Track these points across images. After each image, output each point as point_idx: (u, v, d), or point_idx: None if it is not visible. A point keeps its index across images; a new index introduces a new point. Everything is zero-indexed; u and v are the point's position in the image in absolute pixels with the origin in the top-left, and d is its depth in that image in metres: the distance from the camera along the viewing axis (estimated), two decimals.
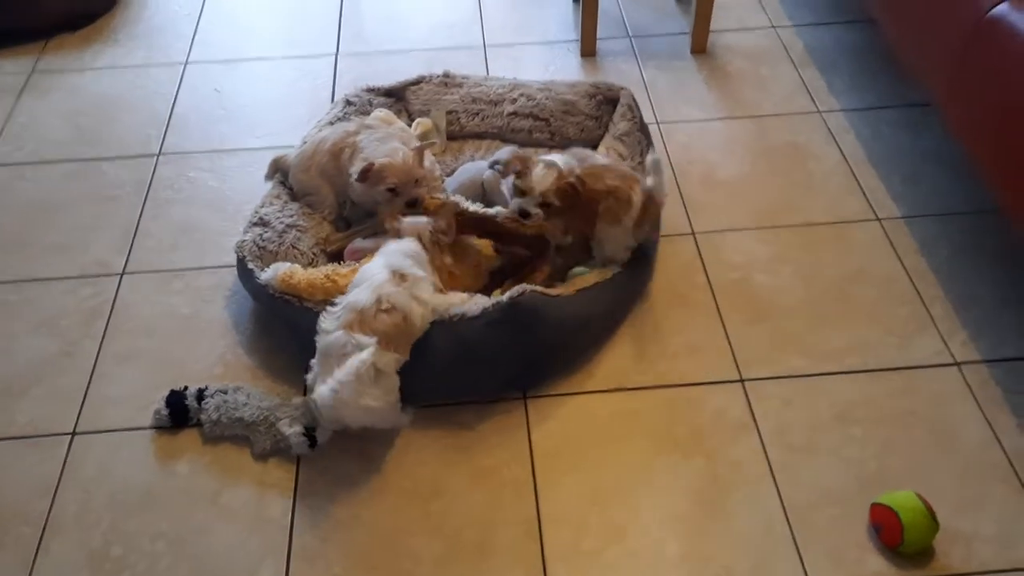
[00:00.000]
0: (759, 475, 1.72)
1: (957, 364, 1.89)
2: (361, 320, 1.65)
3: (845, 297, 2.03)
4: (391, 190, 1.97)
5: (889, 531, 1.59)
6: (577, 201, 1.87)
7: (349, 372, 1.58)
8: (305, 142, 2.15)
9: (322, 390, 1.60)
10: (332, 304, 1.71)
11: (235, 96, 2.66)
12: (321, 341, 1.67)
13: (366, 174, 1.95)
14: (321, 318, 1.69)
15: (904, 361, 1.90)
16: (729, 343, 1.95)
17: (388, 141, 2.02)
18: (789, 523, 1.65)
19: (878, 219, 2.21)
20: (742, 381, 1.88)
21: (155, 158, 2.45)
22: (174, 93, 2.67)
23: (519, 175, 1.89)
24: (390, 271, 1.71)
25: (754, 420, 1.81)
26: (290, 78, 2.72)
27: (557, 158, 1.92)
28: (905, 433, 1.78)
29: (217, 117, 2.58)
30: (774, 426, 1.80)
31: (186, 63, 2.78)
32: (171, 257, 2.18)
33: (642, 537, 1.64)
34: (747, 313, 2.01)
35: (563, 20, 2.92)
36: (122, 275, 2.14)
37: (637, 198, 1.89)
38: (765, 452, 1.76)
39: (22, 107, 2.62)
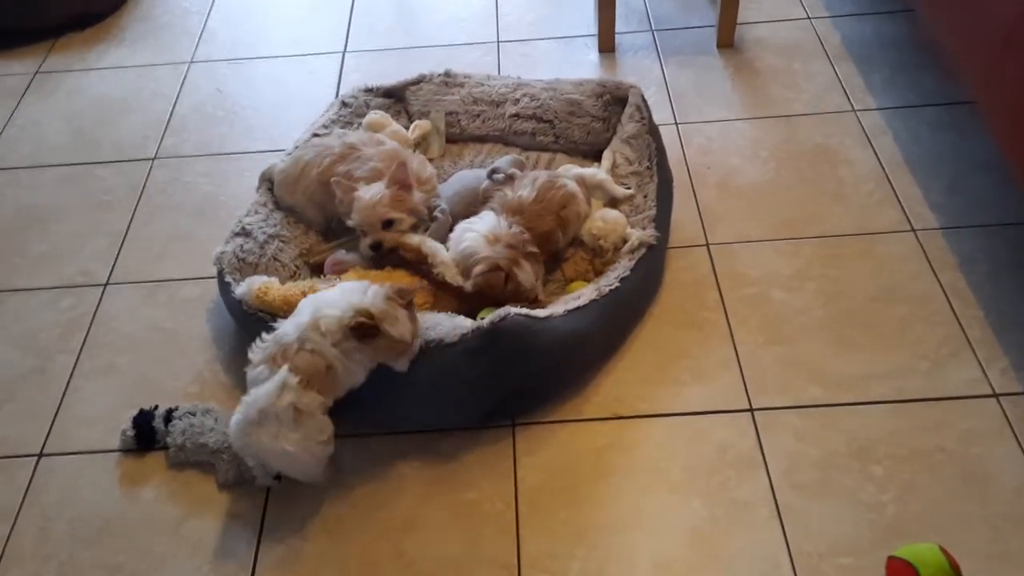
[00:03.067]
0: (764, 518, 1.56)
1: (996, 396, 1.70)
2: (283, 354, 1.50)
3: (872, 318, 1.85)
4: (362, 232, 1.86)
5: None
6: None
7: (260, 395, 1.46)
8: (294, 149, 2.04)
9: (233, 418, 1.49)
10: (270, 329, 1.57)
11: (237, 96, 2.56)
12: (248, 372, 1.55)
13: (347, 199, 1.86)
14: (251, 348, 1.56)
15: (935, 391, 1.71)
16: (740, 368, 1.79)
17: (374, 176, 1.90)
18: (795, 574, 1.48)
19: (913, 230, 2.01)
20: (752, 411, 1.71)
21: (151, 162, 2.37)
22: (176, 94, 2.59)
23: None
24: (314, 319, 1.53)
25: (763, 456, 1.65)
26: (294, 77, 2.62)
27: (483, 225, 1.80)
28: (931, 475, 1.59)
29: (217, 119, 2.49)
30: (785, 463, 1.63)
31: (190, 62, 2.70)
32: (157, 267, 2.10)
33: None
34: (762, 334, 1.84)
35: (582, 14, 2.76)
36: (105, 286, 2.06)
37: (575, 188, 1.90)
38: (773, 492, 1.59)
39: (23, 109, 2.57)
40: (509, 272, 1.74)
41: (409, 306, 1.56)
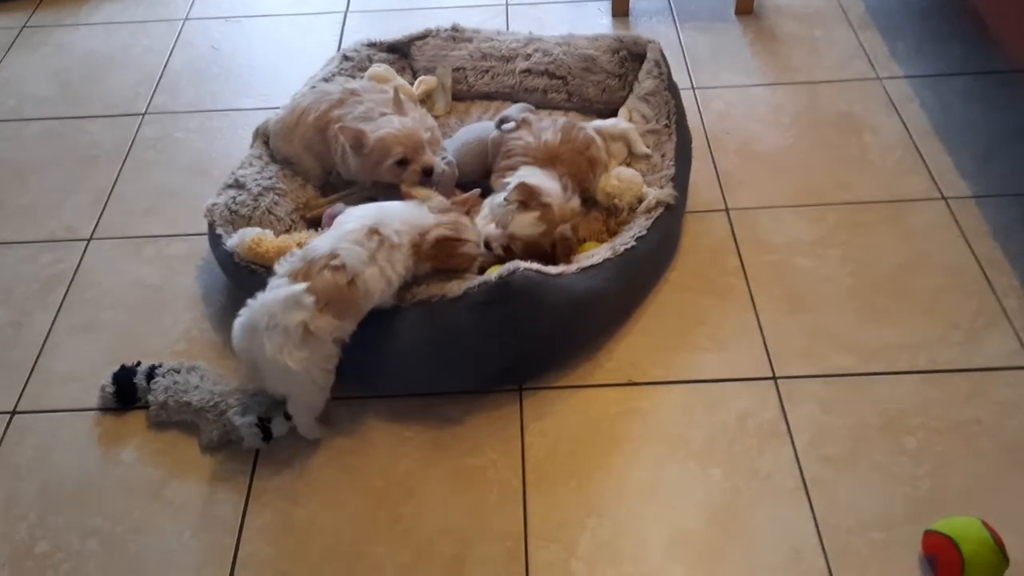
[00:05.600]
0: (790, 490, 1.45)
1: None
2: (307, 272, 1.42)
3: (901, 286, 1.74)
4: (401, 162, 1.73)
5: (946, 565, 1.30)
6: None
7: (267, 300, 1.40)
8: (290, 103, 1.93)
9: (236, 320, 1.44)
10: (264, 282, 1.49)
11: (233, 54, 2.46)
12: (269, 283, 1.47)
13: (360, 143, 1.73)
14: (279, 260, 1.48)
15: (970, 361, 1.61)
16: (762, 335, 1.68)
17: (373, 114, 1.80)
18: (824, 549, 1.38)
19: (944, 198, 1.91)
20: (775, 379, 1.61)
21: (140, 117, 2.26)
22: (169, 50, 2.48)
23: (523, 205, 1.65)
24: (367, 223, 1.47)
25: (787, 425, 1.54)
26: (293, 36, 2.52)
27: (553, 190, 1.68)
28: (968, 446, 1.49)
29: (211, 76, 2.38)
30: (811, 433, 1.52)
31: (185, 19, 2.59)
32: (144, 223, 1.98)
33: (644, 561, 1.38)
34: (785, 301, 1.74)
35: None
36: (89, 241, 1.94)
37: (593, 133, 1.82)
38: (798, 463, 1.49)
39: (9, 62, 2.46)
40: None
41: (469, 213, 1.59)
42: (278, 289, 1.41)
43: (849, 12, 2.45)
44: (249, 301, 1.44)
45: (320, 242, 1.46)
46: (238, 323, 1.44)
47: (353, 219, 1.49)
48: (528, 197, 1.64)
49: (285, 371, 1.40)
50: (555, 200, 1.66)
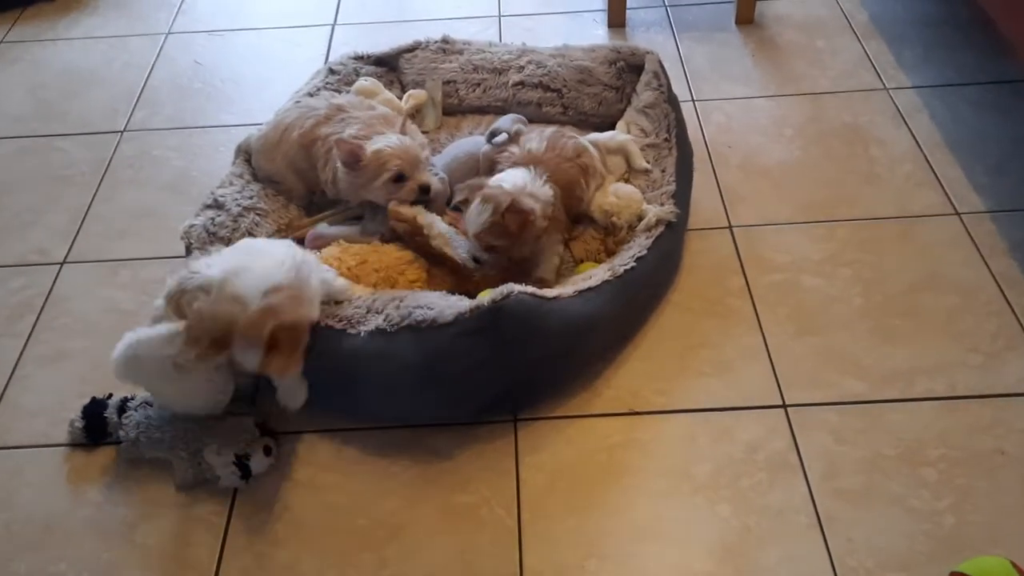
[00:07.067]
0: (803, 528, 1.36)
1: None
2: (179, 300, 1.35)
3: (916, 307, 1.66)
4: (397, 179, 1.65)
5: None
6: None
7: (142, 338, 1.38)
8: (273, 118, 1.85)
9: (115, 350, 1.41)
10: None
11: (216, 69, 2.37)
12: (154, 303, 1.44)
13: (355, 159, 1.64)
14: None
15: (991, 387, 1.52)
16: (770, 359, 1.59)
17: (371, 128, 1.71)
18: None
19: (957, 214, 1.82)
20: (785, 407, 1.52)
21: (119, 135, 2.17)
22: (150, 66, 2.40)
23: (465, 202, 1.59)
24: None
25: (799, 457, 1.45)
26: (279, 50, 2.44)
27: (509, 177, 1.60)
28: (992, 480, 1.40)
29: (193, 92, 2.30)
30: (824, 465, 1.43)
31: (167, 33, 2.51)
32: (120, 245, 1.90)
33: None
34: (793, 323, 1.65)
35: None
36: (62, 264, 1.86)
37: (585, 142, 1.75)
38: (812, 498, 1.39)
39: None
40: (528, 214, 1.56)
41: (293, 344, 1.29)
42: (155, 328, 1.37)
43: (853, 21, 2.38)
44: (128, 333, 1.41)
45: (200, 268, 1.35)
46: (115, 355, 1.41)
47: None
48: (469, 193, 1.58)
49: (164, 398, 1.44)
50: (511, 185, 1.57)
